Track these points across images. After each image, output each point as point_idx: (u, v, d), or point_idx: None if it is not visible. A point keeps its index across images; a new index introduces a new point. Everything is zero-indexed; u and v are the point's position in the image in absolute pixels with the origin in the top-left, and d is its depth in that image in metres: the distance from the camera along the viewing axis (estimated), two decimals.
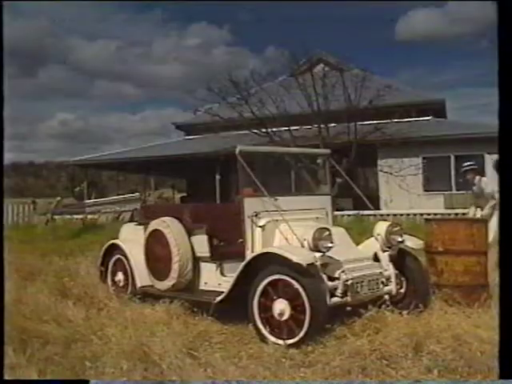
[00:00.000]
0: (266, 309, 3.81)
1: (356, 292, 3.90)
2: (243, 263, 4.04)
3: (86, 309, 4.39)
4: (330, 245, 3.87)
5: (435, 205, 15.08)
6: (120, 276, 5.37)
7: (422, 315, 3.99)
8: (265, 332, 3.77)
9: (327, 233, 3.91)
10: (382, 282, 4.15)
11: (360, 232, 6.77)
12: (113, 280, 5.46)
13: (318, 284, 3.70)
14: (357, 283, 3.92)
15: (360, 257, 4.28)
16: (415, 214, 12.79)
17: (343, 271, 3.89)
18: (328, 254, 3.87)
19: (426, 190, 16.39)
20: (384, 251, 4.35)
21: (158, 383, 2.99)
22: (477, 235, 4.65)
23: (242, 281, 3.99)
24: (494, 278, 4.40)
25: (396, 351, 3.25)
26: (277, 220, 4.23)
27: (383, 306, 3.88)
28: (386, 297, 4.13)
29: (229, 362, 3.23)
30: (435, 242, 4.71)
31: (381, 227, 4.43)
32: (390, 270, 4.25)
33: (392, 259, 4.31)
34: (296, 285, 3.65)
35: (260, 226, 4.27)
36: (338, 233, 4.33)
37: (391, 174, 15.93)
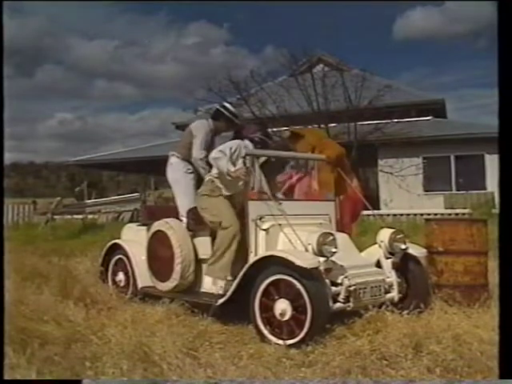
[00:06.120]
0: (267, 309, 3.81)
1: (358, 298, 3.88)
2: (246, 266, 4.03)
3: (86, 309, 4.39)
4: (334, 250, 3.85)
5: (435, 205, 15.10)
6: (121, 276, 5.37)
7: (421, 315, 3.99)
8: (265, 332, 3.77)
9: (331, 238, 3.90)
10: (385, 289, 4.16)
11: (360, 232, 6.77)
12: (113, 280, 5.45)
13: (320, 285, 3.70)
14: (359, 289, 3.90)
15: (363, 263, 4.27)
16: (415, 214, 12.80)
17: (346, 277, 3.88)
18: (332, 259, 3.86)
19: (426, 190, 16.41)
20: (387, 258, 4.35)
21: (154, 383, 2.99)
22: (477, 235, 4.65)
23: (244, 284, 3.98)
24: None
25: (396, 351, 3.25)
26: (280, 224, 4.21)
27: (383, 307, 3.89)
28: (388, 297, 4.14)
29: (229, 361, 3.22)
30: (435, 242, 4.71)
31: (384, 234, 4.42)
32: (393, 277, 4.25)
33: (395, 266, 4.31)
34: (298, 285, 3.64)
35: (264, 230, 4.24)
36: (342, 238, 4.32)
37: (391, 173, 15.94)
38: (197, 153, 5.15)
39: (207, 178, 4.73)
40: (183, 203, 5.12)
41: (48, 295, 4.72)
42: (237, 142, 4.64)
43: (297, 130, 5.52)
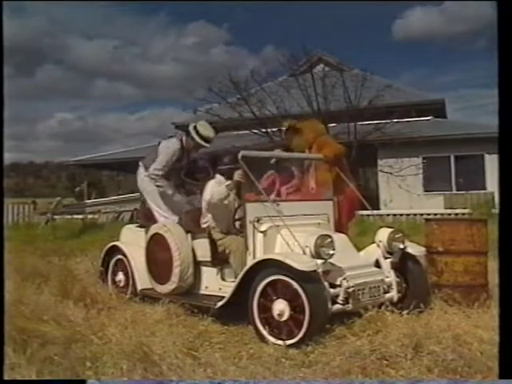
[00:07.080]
0: (265, 309, 3.80)
1: (357, 299, 3.88)
2: (244, 269, 4.03)
3: (86, 309, 4.39)
4: (331, 252, 3.85)
5: (435, 205, 15.10)
6: (121, 276, 5.37)
7: (421, 315, 3.99)
8: (264, 332, 3.76)
9: (329, 240, 3.89)
10: (384, 289, 4.15)
11: (360, 232, 6.77)
12: (113, 280, 5.45)
13: (318, 286, 3.69)
14: (358, 290, 3.90)
15: (362, 264, 4.25)
16: (415, 214, 12.79)
17: (345, 278, 3.87)
18: (330, 260, 3.85)
19: (426, 190, 16.41)
20: (386, 258, 4.35)
21: (158, 383, 2.99)
22: (477, 235, 4.65)
23: (243, 286, 3.98)
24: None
25: (396, 351, 3.25)
26: (278, 226, 4.20)
27: (383, 307, 3.88)
28: (387, 297, 4.13)
29: (229, 361, 3.23)
30: (435, 242, 4.71)
31: (383, 234, 4.41)
32: (392, 277, 4.24)
33: (394, 266, 4.30)
34: (295, 285, 3.64)
35: (261, 232, 4.23)
36: (340, 239, 4.30)
37: (391, 174, 15.93)
38: (153, 169, 5.32)
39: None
40: (156, 210, 5.29)
41: (48, 295, 4.72)
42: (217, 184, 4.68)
43: (294, 124, 5.43)
